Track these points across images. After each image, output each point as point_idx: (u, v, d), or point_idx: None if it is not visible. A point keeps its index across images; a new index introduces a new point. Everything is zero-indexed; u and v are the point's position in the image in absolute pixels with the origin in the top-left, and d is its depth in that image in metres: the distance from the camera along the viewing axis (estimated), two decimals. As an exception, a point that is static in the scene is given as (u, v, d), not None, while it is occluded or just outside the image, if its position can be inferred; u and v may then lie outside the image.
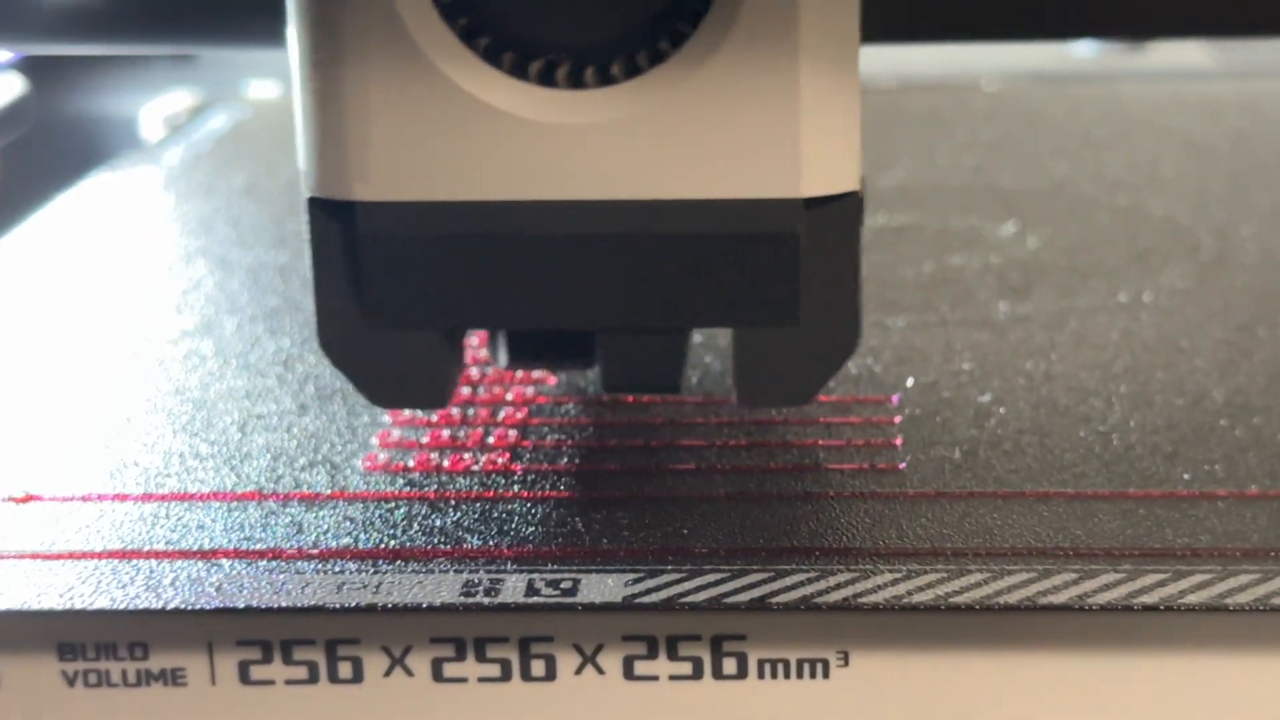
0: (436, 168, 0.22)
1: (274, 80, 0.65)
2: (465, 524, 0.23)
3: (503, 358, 0.25)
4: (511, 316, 0.23)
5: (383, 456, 0.25)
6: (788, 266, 0.22)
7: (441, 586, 0.22)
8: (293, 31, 0.22)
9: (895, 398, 0.27)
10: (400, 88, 0.22)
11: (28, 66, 0.60)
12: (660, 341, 0.24)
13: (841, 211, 0.23)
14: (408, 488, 0.24)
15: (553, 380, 0.28)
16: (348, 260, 0.23)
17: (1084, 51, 0.64)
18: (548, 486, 0.24)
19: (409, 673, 0.22)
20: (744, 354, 0.23)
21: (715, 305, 0.23)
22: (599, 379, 0.25)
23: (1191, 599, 0.21)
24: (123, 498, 0.24)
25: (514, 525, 0.23)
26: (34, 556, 0.22)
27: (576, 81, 0.22)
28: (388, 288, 0.23)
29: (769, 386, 0.24)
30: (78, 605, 0.21)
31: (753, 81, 0.22)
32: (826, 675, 0.22)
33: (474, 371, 0.28)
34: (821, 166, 0.22)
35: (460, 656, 0.22)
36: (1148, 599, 0.21)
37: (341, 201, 0.22)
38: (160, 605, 0.21)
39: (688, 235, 0.22)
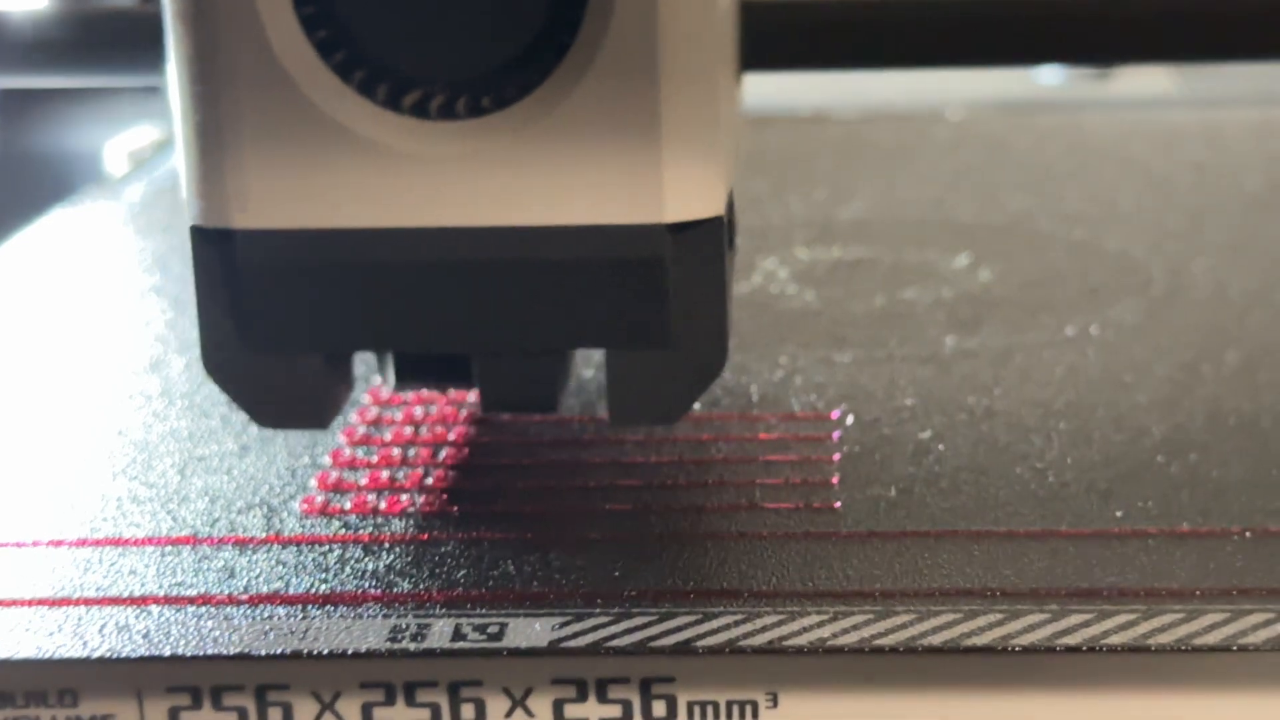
0: (312, 196, 0.23)
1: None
2: (397, 567, 0.23)
3: (390, 378, 0.25)
4: (387, 341, 0.24)
5: (320, 499, 0.25)
6: (656, 290, 0.23)
7: (369, 632, 0.22)
8: (171, 63, 0.23)
9: (836, 434, 0.27)
10: (275, 118, 0.22)
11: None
12: (537, 363, 0.25)
13: (706, 236, 0.23)
14: (343, 530, 0.24)
15: (503, 417, 0.28)
16: (228, 286, 0.23)
17: (1050, 79, 0.64)
18: (483, 528, 0.24)
19: (339, 717, 0.22)
20: (615, 374, 0.24)
21: (588, 328, 0.23)
22: (479, 399, 0.25)
23: (1114, 639, 0.21)
24: (57, 544, 0.24)
25: (445, 568, 0.23)
26: None
27: (448, 113, 0.23)
28: (266, 313, 0.23)
29: (640, 406, 0.24)
30: (6, 655, 0.21)
31: (616, 111, 0.22)
32: (756, 716, 0.22)
33: (418, 410, 0.28)
34: (685, 193, 0.23)
35: (390, 701, 0.22)
36: (1070, 640, 0.21)
37: (220, 229, 0.23)
38: (87, 654, 0.21)
39: (558, 261, 0.23)
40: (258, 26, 0.22)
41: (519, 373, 0.25)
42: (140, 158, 0.49)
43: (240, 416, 0.28)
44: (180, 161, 0.23)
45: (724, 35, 0.23)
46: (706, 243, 0.23)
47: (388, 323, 0.23)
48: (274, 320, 0.23)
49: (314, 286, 0.23)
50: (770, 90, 0.35)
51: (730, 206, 0.24)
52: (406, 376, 0.25)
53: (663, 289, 0.23)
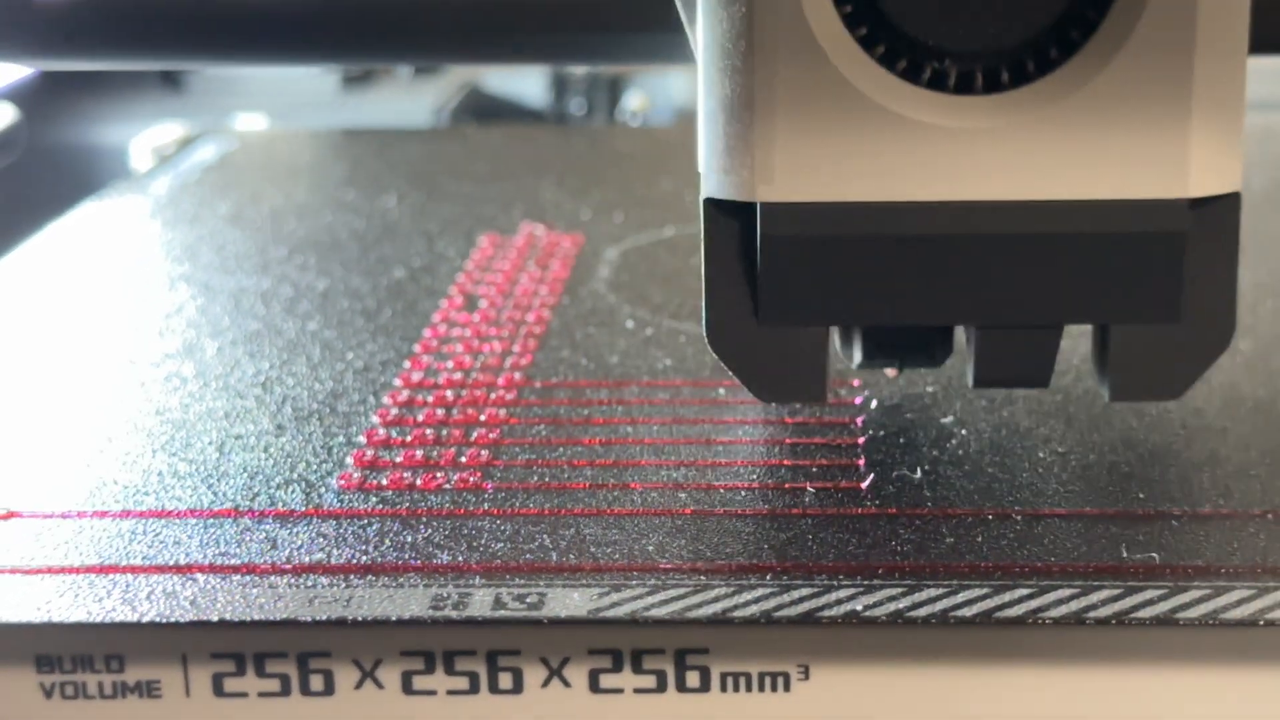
0: (833, 170, 0.23)
1: (261, 114, 0.66)
2: (436, 540, 0.24)
3: (856, 355, 0.26)
4: (901, 313, 0.24)
5: (357, 475, 0.26)
6: (1173, 265, 0.24)
7: (411, 600, 0.22)
8: (702, 38, 0.23)
9: (860, 419, 0.28)
10: (805, 92, 0.23)
11: (20, 97, 0.61)
12: (1035, 338, 0.25)
13: (1224, 211, 0.24)
14: (381, 505, 0.25)
15: (527, 402, 0.29)
16: (745, 259, 0.24)
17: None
18: (517, 504, 0.25)
19: (379, 685, 0.22)
20: (1122, 348, 0.25)
21: (1099, 302, 0.24)
22: (971, 373, 0.25)
23: (1143, 614, 0.22)
24: (101, 514, 0.25)
25: (483, 542, 0.24)
26: (13, 571, 0.23)
27: (967, 87, 0.23)
28: (784, 285, 0.24)
29: (1144, 381, 0.25)
30: (55, 618, 0.22)
31: (1147, 87, 0.23)
32: (788, 688, 0.22)
33: (449, 394, 0.29)
34: (1208, 168, 0.23)
35: (429, 669, 0.22)
36: (1100, 614, 0.22)
37: (742, 202, 0.24)
38: (136, 618, 0.22)
39: (1077, 235, 0.23)
40: (794, 2, 0.23)
41: (1017, 347, 0.25)
42: (164, 153, 0.50)
43: (274, 397, 0.29)
44: (701, 135, 0.24)
45: (1248, 13, 0.24)
46: (1225, 217, 0.24)
47: (902, 295, 0.24)
48: (791, 293, 0.24)
49: (832, 259, 0.24)
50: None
51: None
52: (873, 354, 0.26)
53: (1179, 265, 0.24)
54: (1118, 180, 0.23)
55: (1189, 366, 0.25)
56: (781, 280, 0.24)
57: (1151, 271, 0.24)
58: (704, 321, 0.25)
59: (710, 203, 0.24)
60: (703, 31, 0.23)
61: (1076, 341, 0.30)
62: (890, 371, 0.29)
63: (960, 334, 0.27)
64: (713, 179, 0.24)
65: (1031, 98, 0.23)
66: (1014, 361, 0.25)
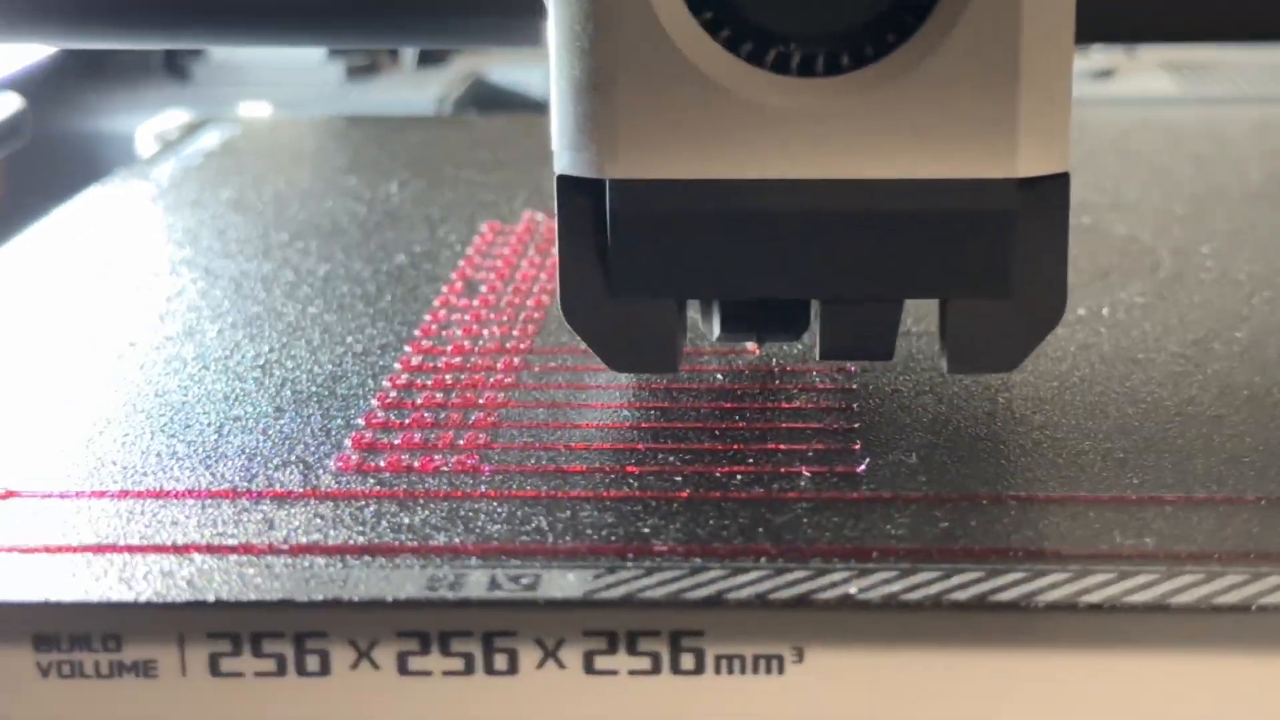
0: (679, 148, 0.24)
1: (265, 101, 0.66)
2: (433, 522, 0.24)
3: (715, 329, 0.27)
4: (745, 287, 0.25)
5: (355, 457, 0.26)
6: (1003, 242, 0.24)
7: (407, 581, 0.22)
8: (552, 18, 0.24)
9: (856, 404, 0.28)
10: (649, 72, 0.24)
11: (25, 85, 0.61)
12: (876, 311, 0.26)
13: (1054, 190, 0.25)
14: (378, 487, 0.25)
15: (523, 386, 0.29)
16: (595, 234, 0.25)
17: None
18: (514, 487, 0.25)
19: (375, 665, 0.22)
20: (955, 323, 0.25)
21: (934, 277, 0.25)
22: (817, 347, 0.26)
23: (1136, 599, 0.22)
24: (100, 494, 0.25)
25: (480, 524, 0.24)
26: (10, 550, 0.23)
27: (808, 69, 0.24)
28: (633, 259, 0.25)
29: (978, 354, 0.26)
30: (53, 597, 0.22)
31: (975, 71, 0.24)
32: (782, 671, 0.22)
33: (447, 378, 0.29)
34: (1037, 148, 0.24)
35: (425, 650, 0.22)
36: (1093, 598, 0.22)
37: (591, 179, 0.25)
38: (133, 598, 0.22)
39: (911, 212, 0.24)
40: None
41: (859, 322, 0.26)
42: (168, 139, 0.50)
43: (274, 380, 0.29)
44: (553, 114, 0.25)
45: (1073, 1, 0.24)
46: (1054, 197, 0.25)
47: (746, 269, 0.25)
48: (640, 266, 0.25)
49: (679, 234, 0.25)
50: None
51: None
52: (732, 327, 0.27)
53: (1010, 242, 0.24)
54: (950, 159, 0.24)
55: (1021, 341, 0.26)
56: (630, 254, 0.25)
57: (981, 249, 0.25)
58: (559, 294, 0.25)
59: (562, 179, 0.25)
60: (554, 13, 0.24)
61: (1073, 329, 0.30)
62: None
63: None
64: (565, 156, 0.25)
65: (869, 80, 0.24)
66: (857, 335, 0.26)
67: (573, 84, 0.24)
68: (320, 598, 0.22)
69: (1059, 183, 0.25)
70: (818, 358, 0.27)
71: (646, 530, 0.24)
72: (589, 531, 0.24)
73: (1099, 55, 0.71)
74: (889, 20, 0.24)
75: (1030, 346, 0.26)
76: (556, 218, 0.25)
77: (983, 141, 0.24)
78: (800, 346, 0.30)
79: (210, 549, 0.23)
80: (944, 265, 0.25)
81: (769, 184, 0.24)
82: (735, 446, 0.26)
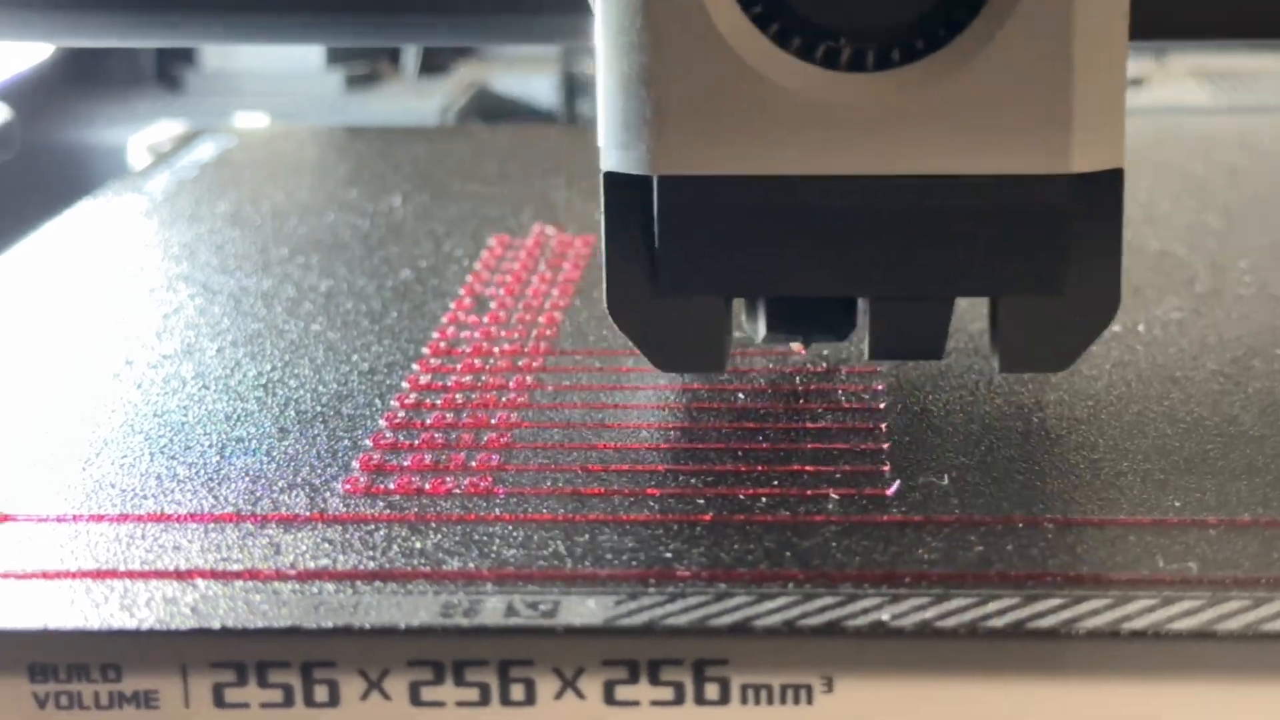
0: (727, 144, 0.24)
1: (262, 111, 0.65)
2: (445, 546, 0.23)
3: (760, 329, 0.27)
4: (795, 285, 0.25)
5: (363, 480, 0.25)
6: (1056, 239, 0.24)
7: (420, 608, 0.21)
8: (600, 15, 0.24)
9: (885, 424, 0.27)
10: (698, 68, 0.24)
11: (13, 96, 0.60)
12: (927, 310, 0.26)
13: (1108, 187, 0.24)
14: (388, 510, 0.24)
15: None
16: (642, 231, 0.25)
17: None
18: (529, 509, 0.24)
19: (386, 696, 0.21)
20: (1007, 322, 0.25)
21: (985, 275, 0.25)
22: (868, 346, 0.26)
23: (1180, 626, 0.21)
24: (98, 518, 0.24)
25: (494, 548, 0.23)
26: (5, 576, 0.22)
27: (858, 65, 0.24)
28: (681, 257, 0.25)
29: (1031, 353, 0.25)
30: (50, 625, 0.21)
31: (1028, 64, 0.24)
32: (810, 701, 0.21)
33: (458, 397, 0.28)
34: (1090, 145, 0.24)
35: (439, 680, 0.21)
36: (1135, 625, 0.21)
37: (639, 176, 0.24)
38: (134, 626, 0.21)
39: (962, 209, 0.24)
40: None
41: (909, 320, 0.26)
42: (161, 151, 0.49)
43: (277, 400, 0.28)
44: (600, 111, 0.25)
45: None
46: (1108, 194, 0.24)
47: (794, 267, 0.25)
48: (688, 264, 0.25)
49: (727, 231, 0.25)
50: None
51: None
52: (777, 326, 0.27)
53: (1061, 238, 0.24)
54: (1002, 155, 0.24)
55: (1074, 340, 0.25)
56: (678, 252, 0.25)
57: (1034, 245, 0.24)
58: (605, 293, 0.25)
59: (609, 176, 0.25)
60: (602, 10, 0.24)
61: (1108, 347, 0.29)
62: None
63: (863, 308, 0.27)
64: (613, 154, 0.25)
65: (920, 74, 0.24)
66: (907, 334, 0.26)
67: (620, 80, 0.24)
68: (329, 625, 0.21)
69: (1113, 178, 0.24)
70: (866, 357, 0.26)
71: (669, 555, 0.23)
72: (609, 556, 0.23)
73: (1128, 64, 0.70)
74: (940, 14, 0.24)
75: (1083, 345, 0.25)
76: (603, 216, 0.25)
77: (1035, 137, 0.24)
78: (824, 364, 0.29)
79: (214, 575, 0.22)
80: (996, 263, 0.24)
81: (819, 180, 0.24)
82: (760, 468, 0.25)
